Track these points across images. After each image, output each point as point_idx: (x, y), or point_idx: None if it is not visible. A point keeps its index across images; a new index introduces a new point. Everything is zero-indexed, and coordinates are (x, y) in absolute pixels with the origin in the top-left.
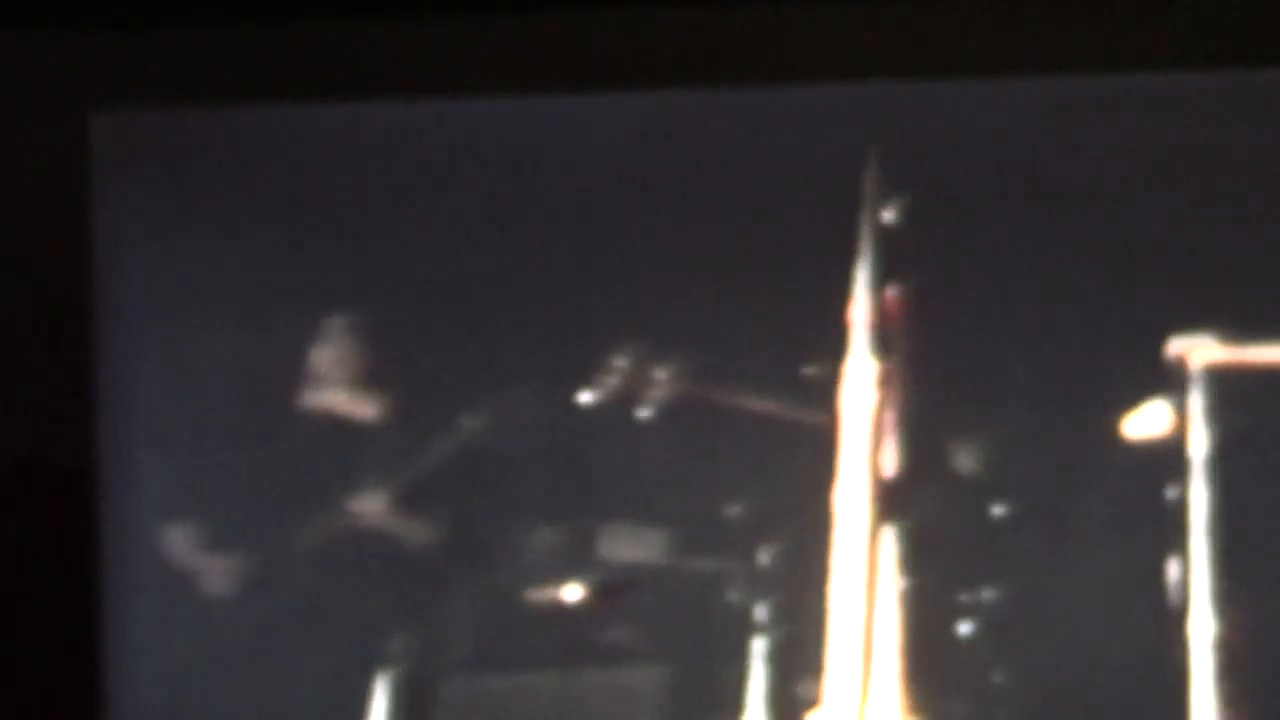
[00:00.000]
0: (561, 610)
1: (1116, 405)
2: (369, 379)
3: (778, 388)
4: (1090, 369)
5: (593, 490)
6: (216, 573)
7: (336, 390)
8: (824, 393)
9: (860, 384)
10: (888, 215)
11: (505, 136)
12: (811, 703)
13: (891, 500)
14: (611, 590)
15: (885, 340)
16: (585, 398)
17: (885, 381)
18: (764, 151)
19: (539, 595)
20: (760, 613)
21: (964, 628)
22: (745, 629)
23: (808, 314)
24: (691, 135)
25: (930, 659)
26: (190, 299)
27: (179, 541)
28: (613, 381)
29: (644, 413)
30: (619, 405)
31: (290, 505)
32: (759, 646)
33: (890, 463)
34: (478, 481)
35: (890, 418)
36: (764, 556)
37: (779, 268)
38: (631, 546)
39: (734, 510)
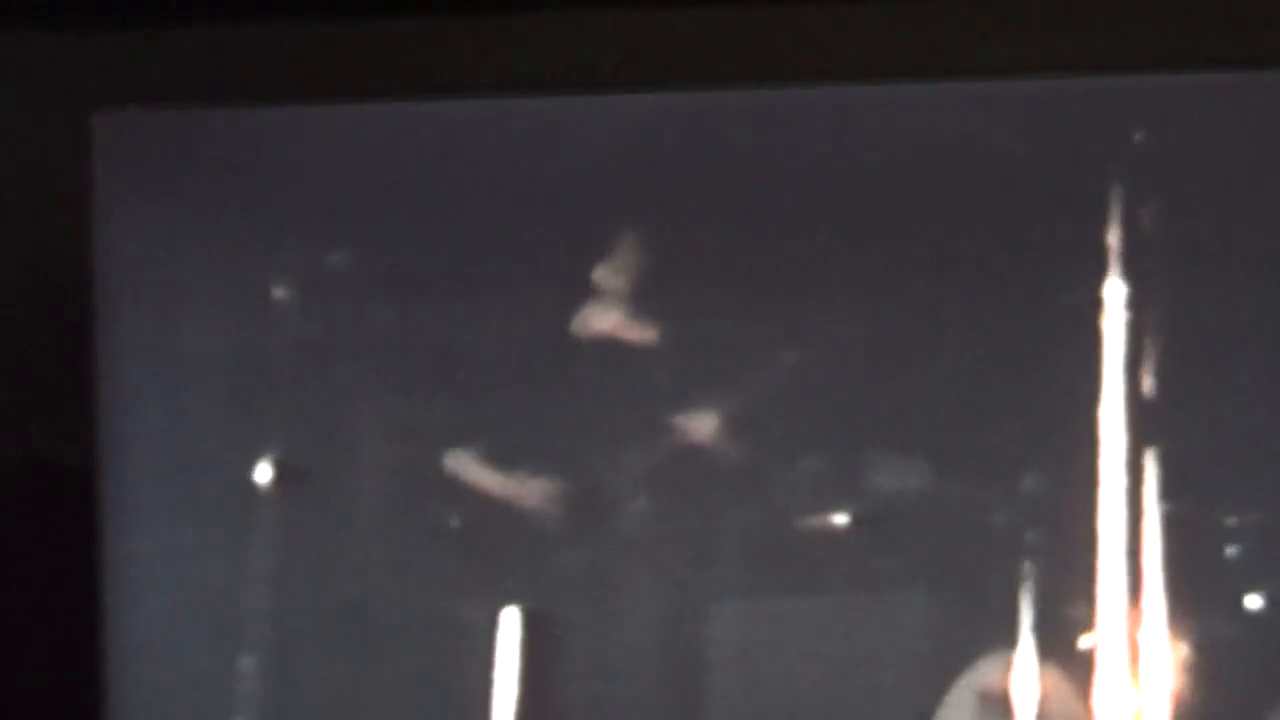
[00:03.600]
0: (829, 537)
1: None
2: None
3: (1039, 314)
4: None
5: (858, 418)
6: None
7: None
8: (1085, 317)
9: (1117, 307)
10: (1138, 138)
11: (507, 136)
12: (1083, 627)
13: (1153, 423)
14: None
15: (1141, 263)
16: (848, 331)
17: (1141, 304)
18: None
19: (806, 522)
20: (1028, 538)
21: (1230, 550)
22: (1013, 554)
23: (1065, 239)
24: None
25: (1197, 583)
26: (191, 299)
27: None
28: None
29: (907, 341)
30: (887, 334)
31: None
32: (1028, 571)
33: (1151, 386)
34: (742, 411)
35: (1149, 341)
36: (1030, 482)
37: (1037, 193)
38: (898, 474)
39: (999, 436)
